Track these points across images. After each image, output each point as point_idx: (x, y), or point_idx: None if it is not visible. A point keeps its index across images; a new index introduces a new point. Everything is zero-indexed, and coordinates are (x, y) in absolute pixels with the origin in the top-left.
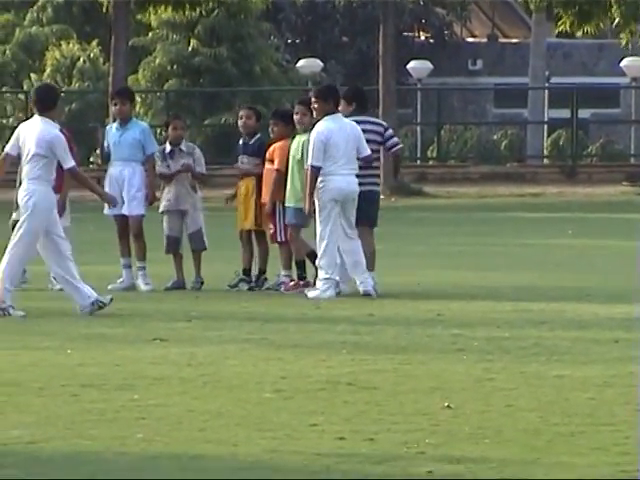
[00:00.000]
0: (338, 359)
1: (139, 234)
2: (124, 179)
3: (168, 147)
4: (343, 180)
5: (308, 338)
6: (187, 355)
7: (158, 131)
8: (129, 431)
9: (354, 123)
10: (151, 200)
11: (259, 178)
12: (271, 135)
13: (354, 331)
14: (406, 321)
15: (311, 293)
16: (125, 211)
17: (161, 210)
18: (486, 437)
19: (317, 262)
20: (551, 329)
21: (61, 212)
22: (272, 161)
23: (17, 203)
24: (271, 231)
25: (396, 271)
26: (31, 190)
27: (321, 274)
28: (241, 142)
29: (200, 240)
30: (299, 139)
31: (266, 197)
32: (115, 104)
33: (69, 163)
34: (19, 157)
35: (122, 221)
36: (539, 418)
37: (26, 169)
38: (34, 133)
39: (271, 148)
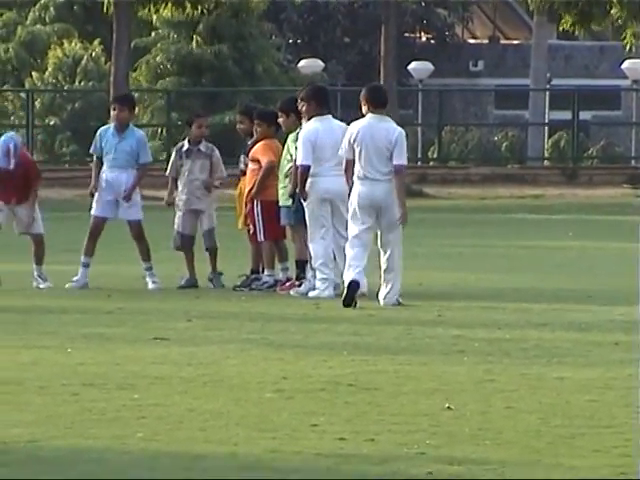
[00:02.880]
0: (339, 360)
1: (141, 236)
2: (120, 184)
3: (186, 145)
4: (330, 181)
5: (309, 338)
6: (187, 355)
7: (159, 130)
8: (129, 430)
9: (344, 125)
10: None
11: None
12: (255, 135)
13: (355, 332)
14: (407, 322)
15: (311, 293)
16: (123, 216)
17: (178, 209)
18: (486, 438)
19: (312, 264)
20: (552, 331)
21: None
22: (255, 161)
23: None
24: (252, 231)
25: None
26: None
27: (318, 274)
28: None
29: (213, 238)
30: (288, 140)
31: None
32: (114, 109)
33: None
34: None
35: (99, 222)
36: (539, 420)
37: (380, 166)
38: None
39: (254, 148)
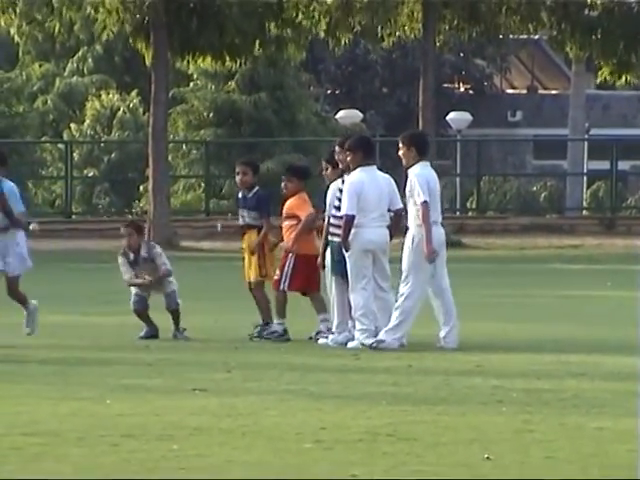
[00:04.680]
0: (378, 410)
1: (16, 291)
2: (6, 245)
3: (131, 255)
4: (373, 232)
5: (348, 389)
6: (227, 406)
7: (197, 182)
8: None
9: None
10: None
11: (259, 231)
12: (284, 191)
13: (393, 382)
14: (445, 372)
15: (350, 343)
16: (4, 270)
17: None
18: None
19: (352, 314)
20: (590, 381)
21: None
22: (292, 217)
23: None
24: (276, 277)
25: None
26: None
27: (358, 325)
28: (240, 196)
29: (174, 300)
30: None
31: (290, 245)
32: None
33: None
34: None
35: None
36: (579, 470)
37: (438, 210)
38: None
39: (288, 204)
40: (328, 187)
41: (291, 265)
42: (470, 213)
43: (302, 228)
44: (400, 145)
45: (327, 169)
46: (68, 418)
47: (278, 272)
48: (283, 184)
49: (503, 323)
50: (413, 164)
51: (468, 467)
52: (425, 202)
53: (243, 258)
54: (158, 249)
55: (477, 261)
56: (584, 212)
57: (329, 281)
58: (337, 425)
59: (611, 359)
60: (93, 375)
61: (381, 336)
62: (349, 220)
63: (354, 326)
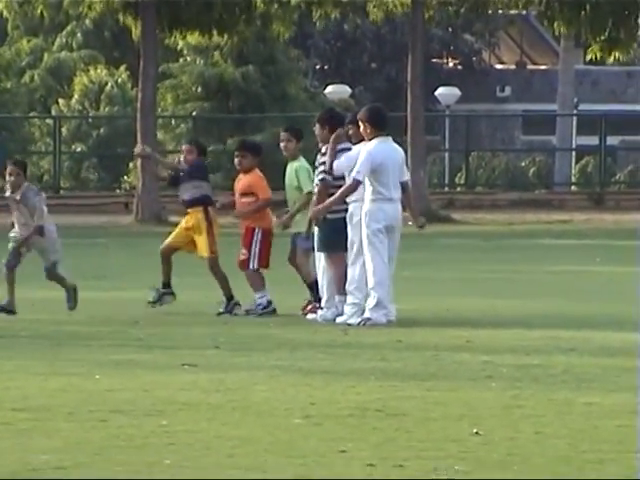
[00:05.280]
0: (367, 386)
1: None
2: None
3: (7, 194)
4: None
5: (337, 364)
6: (216, 381)
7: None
8: (157, 457)
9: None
10: None
11: (205, 204)
12: (237, 167)
13: (383, 358)
14: (435, 348)
15: (339, 319)
16: None
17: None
18: (515, 464)
19: (347, 287)
20: (580, 356)
21: None
22: (247, 194)
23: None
24: (243, 257)
25: (424, 297)
26: None
27: (349, 299)
28: (182, 174)
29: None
30: (291, 166)
31: (248, 223)
32: None
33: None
34: None
35: None
36: (568, 445)
37: (397, 186)
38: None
39: (244, 181)
40: (314, 160)
41: (259, 242)
42: (459, 188)
43: (257, 207)
44: (359, 123)
45: (285, 141)
46: (57, 393)
47: (245, 251)
48: (237, 160)
49: (492, 299)
50: (370, 140)
51: (457, 442)
52: (355, 180)
53: (173, 231)
54: (39, 204)
55: (466, 236)
56: (573, 187)
57: (317, 258)
58: (326, 400)
59: (600, 334)
60: (82, 350)
61: (367, 314)
62: (355, 186)
63: (341, 301)
